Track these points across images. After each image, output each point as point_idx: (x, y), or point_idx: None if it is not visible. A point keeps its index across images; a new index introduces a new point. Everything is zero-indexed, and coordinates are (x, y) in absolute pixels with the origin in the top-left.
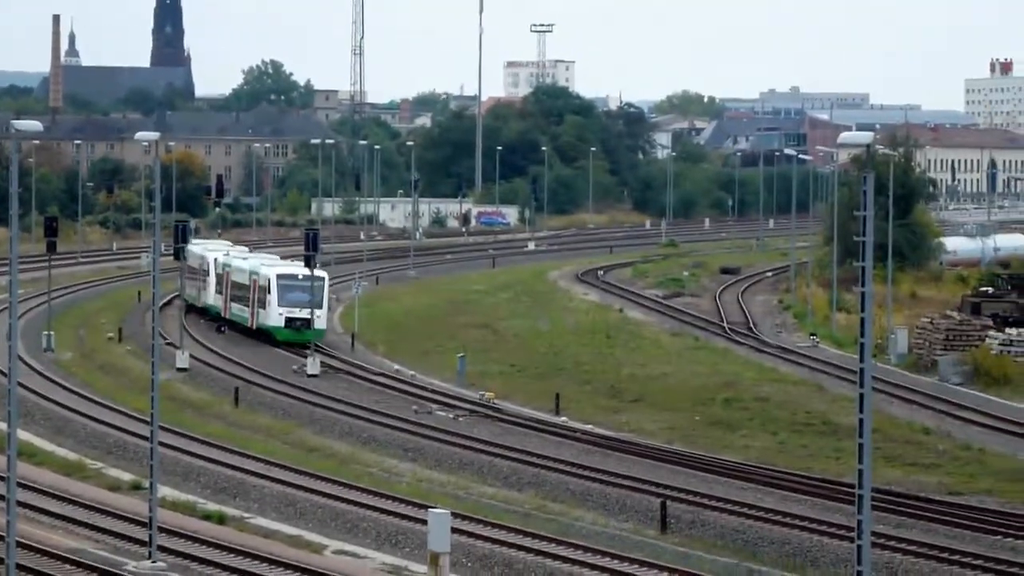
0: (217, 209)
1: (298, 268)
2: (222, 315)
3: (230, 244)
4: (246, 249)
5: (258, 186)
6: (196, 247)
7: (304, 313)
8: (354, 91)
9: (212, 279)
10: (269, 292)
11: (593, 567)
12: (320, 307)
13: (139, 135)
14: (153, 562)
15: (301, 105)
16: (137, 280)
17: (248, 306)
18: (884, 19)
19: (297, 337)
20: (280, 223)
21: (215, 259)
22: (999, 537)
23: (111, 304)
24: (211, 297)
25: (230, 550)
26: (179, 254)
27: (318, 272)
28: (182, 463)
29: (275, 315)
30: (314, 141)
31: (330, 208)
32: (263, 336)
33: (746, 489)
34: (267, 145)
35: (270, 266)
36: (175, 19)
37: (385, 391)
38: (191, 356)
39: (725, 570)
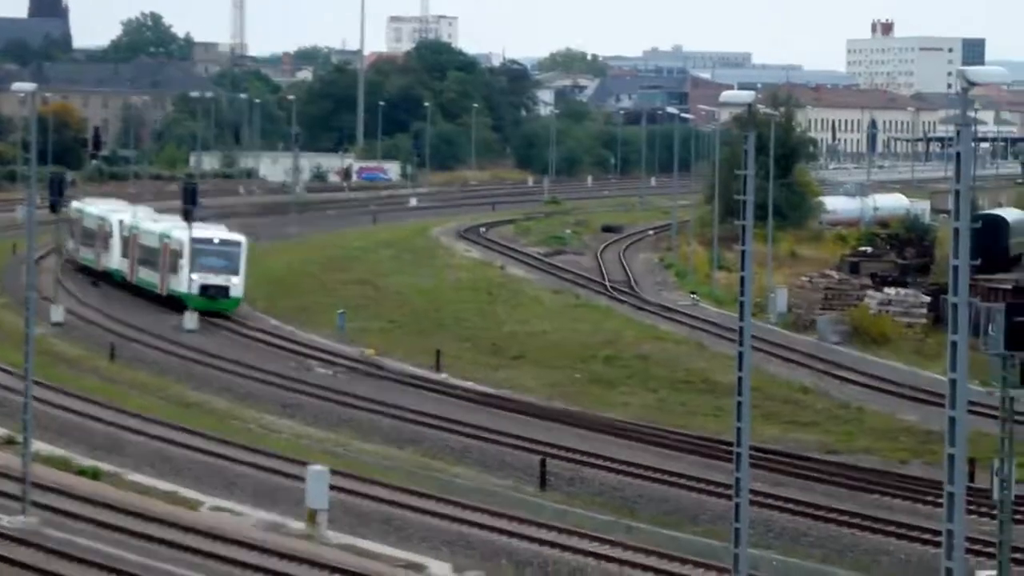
0: (94, 162)
1: (214, 231)
2: (127, 280)
3: (128, 204)
4: (152, 211)
5: (136, 139)
6: (95, 207)
7: (220, 280)
8: (234, 44)
9: (116, 242)
10: (182, 257)
11: (472, 524)
12: (237, 274)
13: (15, 86)
14: (26, 517)
15: (181, 58)
16: (13, 233)
17: (158, 271)
18: None
19: (212, 305)
20: (158, 176)
21: (120, 221)
22: (876, 495)
23: None
24: (115, 261)
25: (105, 505)
26: (56, 207)
27: (235, 236)
28: (57, 418)
29: (187, 281)
30: (193, 94)
31: (209, 162)
32: (175, 304)
33: (625, 447)
34: (145, 98)
35: (183, 229)
36: None
37: (264, 347)
38: (66, 311)
39: (604, 527)
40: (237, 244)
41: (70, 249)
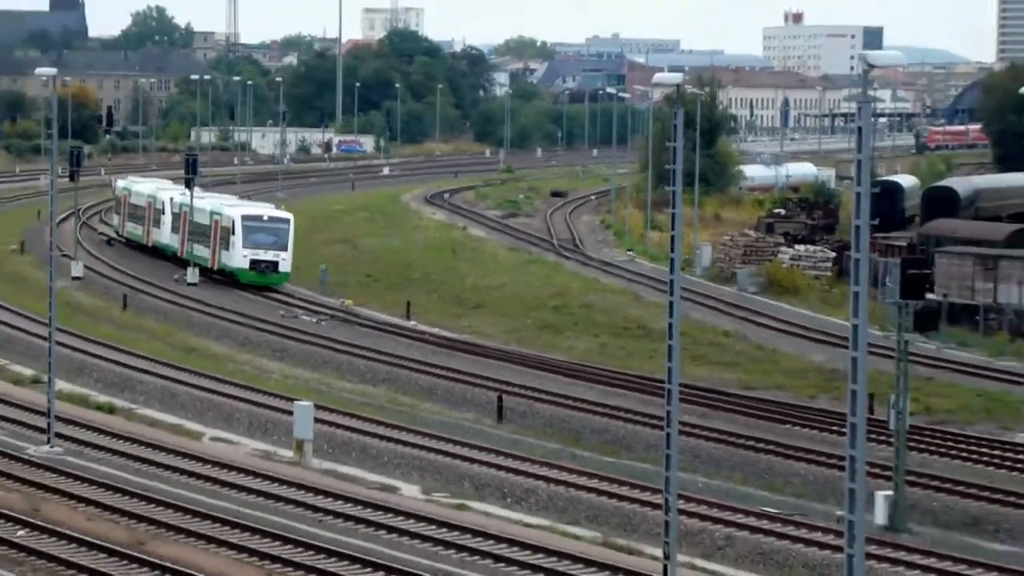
0: (108, 137)
1: (263, 209)
2: (178, 255)
3: (171, 183)
4: (200, 189)
5: (144, 117)
6: (143, 185)
7: (270, 255)
8: (229, 33)
9: (167, 218)
10: (233, 233)
11: (438, 452)
12: (285, 249)
13: (39, 71)
14: (51, 447)
15: (182, 45)
16: (38, 200)
17: (209, 247)
18: None
19: (262, 280)
20: (163, 149)
21: (171, 198)
22: (788, 426)
23: (14, 220)
24: (166, 237)
25: (119, 436)
26: (74, 176)
27: (282, 214)
28: (76, 360)
29: (239, 257)
30: (193, 77)
31: (207, 136)
32: (226, 277)
33: (572, 384)
34: (152, 81)
35: (233, 206)
36: None
37: (256, 299)
38: (85, 267)
39: (552, 453)
40: (286, 221)
41: (115, 224)
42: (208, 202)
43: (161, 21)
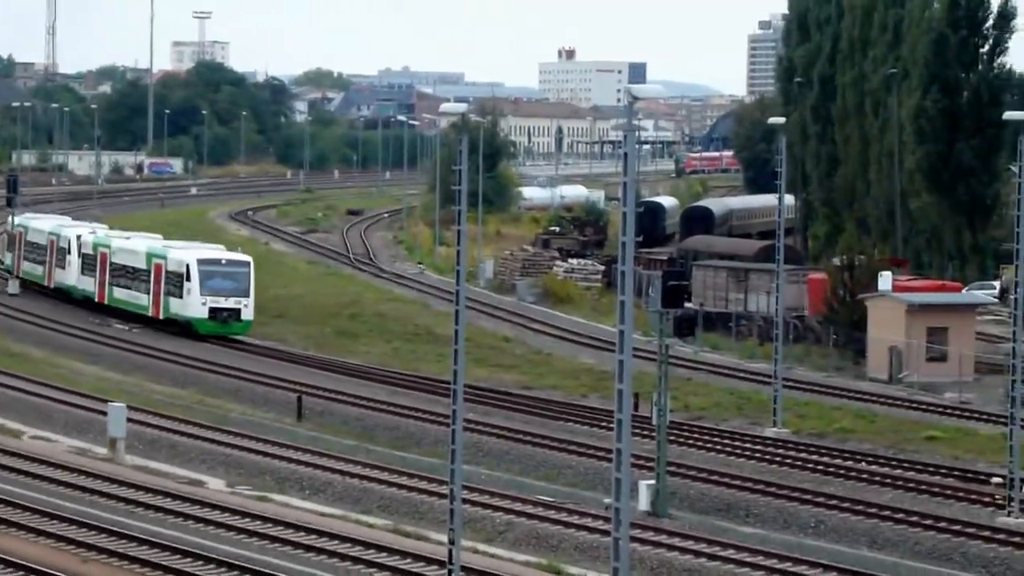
0: None
1: (219, 252)
2: (95, 300)
3: (72, 220)
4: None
5: None
6: (39, 222)
7: (231, 303)
8: (47, 63)
9: (74, 259)
10: (188, 279)
11: (242, 448)
12: (247, 295)
13: None
14: None
15: (4, 75)
16: None
17: (146, 293)
18: (474, 8)
19: (223, 329)
20: None
21: (77, 236)
22: (562, 422)
23: None
24: (73, 278)
25: None
26: None
27: (241, 256)
28: None
29: (197, 305)
30: (14, 104)
31: (27, 159)
32: (174, 327)
33: (366, 385)
34: None
35: (183, 248)
36: None
37: (72, 309)
38: None
39: (347, 449)
40: (246, 264)
41: (6, 263)
42: (141, 242)
43: None
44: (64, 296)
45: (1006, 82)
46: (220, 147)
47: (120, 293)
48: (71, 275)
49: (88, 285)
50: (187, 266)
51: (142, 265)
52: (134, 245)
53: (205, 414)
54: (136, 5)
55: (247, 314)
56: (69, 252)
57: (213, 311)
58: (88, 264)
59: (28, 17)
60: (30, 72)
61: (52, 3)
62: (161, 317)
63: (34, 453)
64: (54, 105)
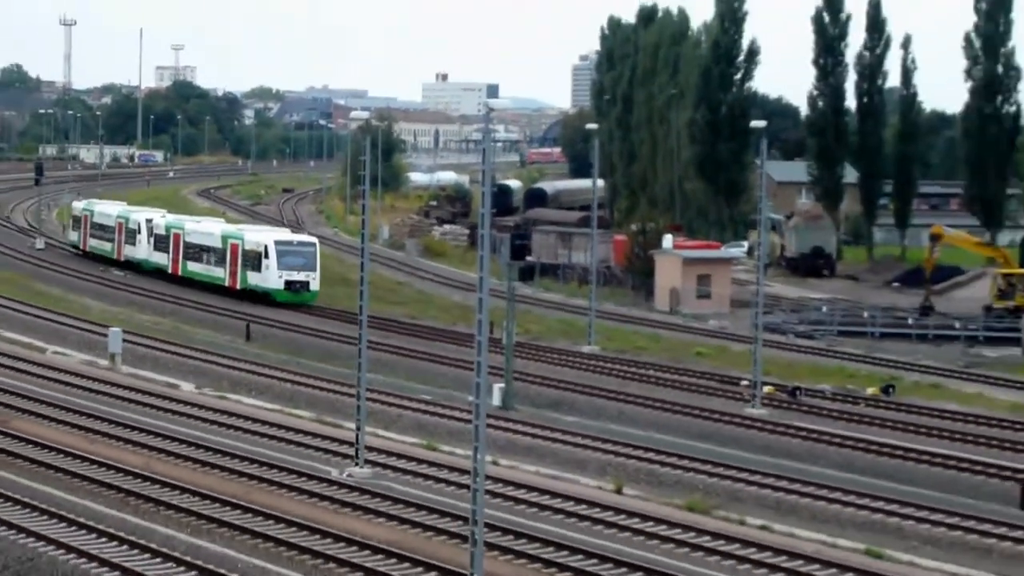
0: None
1: (290, 234)
2: (169, 271)
3: (132, 205)
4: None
5: (8, 137)
6: (103, 206)
7: (302, 276)
8: (65, 82)
9: (144, 238)
10: (267, 257)
11: (206, 361)
12: (314, 270)
13: None
14: None
15: (34, 89)
16: None
17: (220, 267)
18: (385, 28)
19: (296, 298)
20: (20, 159)
21: (147, 220)
22: (439, 342)
23: None
24: (143, 253)
25: None
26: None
27: (309, 238)
28: None
29: (275, 278)
30: (41, 111)
31: (49, 151)
32: (251, 297)
33: (297, 315)
34: (13, 113)
35: (257, 231)
36: None
37: (84, 258)
38: None
39: (283, 362)
40: (312, 245)
41: (73, 239)
42: (215, 225)
43: (20, 74)
44: (133, 267)
45: (752, 101)
46: (190, 143)
47: (194, 267)
48: (141, 251)
49: (161, 260)
50: (265, 246)
51: (217, 244)
52: (207, 227)
53: (180, 335)
54: (130, 39)
55: (314, 285)
56: (139, 232)
57: (288, 283)
58: (161, 243)
59: (50, 45)
60: (52, 88)
61: (69, 36)
62: (238, 288)
63: (54, 364)
64: (70, 112)
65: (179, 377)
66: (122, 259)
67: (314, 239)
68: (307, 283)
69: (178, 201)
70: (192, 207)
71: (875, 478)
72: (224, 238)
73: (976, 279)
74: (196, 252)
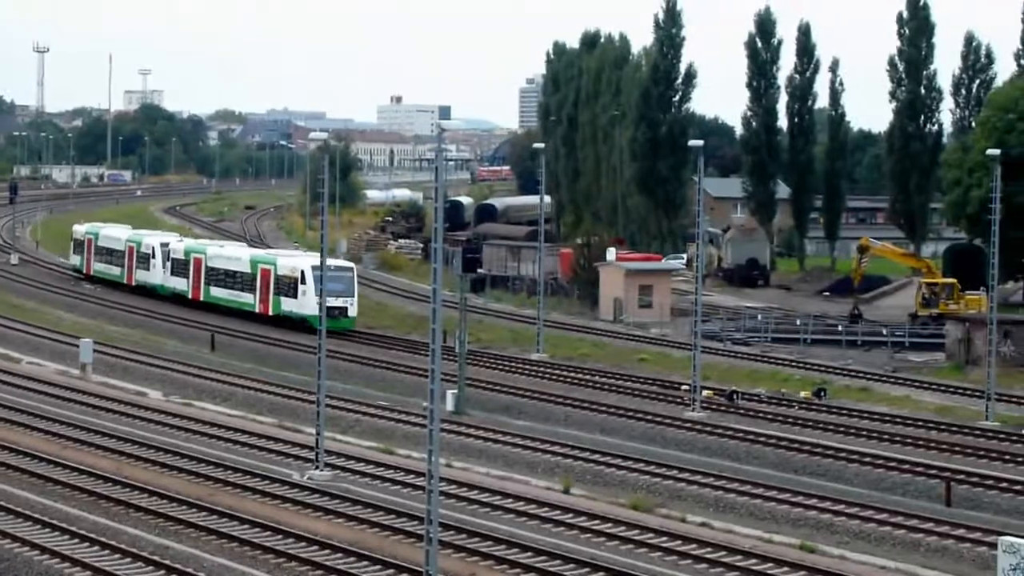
0: None
1: (329, 259)
2: (189, 297)
3: (140, 229)
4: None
5: None
6: (110, 230)
7: (340, 302)
8: (38, 105)
9: (158, 262)
10: (303, 282)
11: (173, 370)
12: (352, 295)
13: None
14: None
15: (8, 113)
16: None
17: (250, 293)
18: (342, 53)
19: (334, 325)
20: None
21: (162, 243)
22: (394, 351)
23: None
24: (158, 278)
25: None
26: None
27: (346, 263)
28: None
29: (312, 305)
30: (15, 133)
31: (23, 171)
32: (283, 323)
33: (258, 327)
34: None
35: (291, 256)
36: None
37: (56, 272)
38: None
39: (246, 370)
40: (350, 270)
41: (76, 263)
42: (242, 250)
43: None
44: (145, 292)
45: (690, 121)
46: (157, 163)
47: (219, 292)
48: (156, 276)
49: (179, 285)
50: (301, 271)
51: (245, 269)
52: (233, 252)
53: (148, 346)
54: (100, 65)
55: (352, 311)
56: (153, 256)
57: (327, 309)
58: (179, 267)
59: (24, 71)
60: (26, 112)
61: (42, 63)
62: (270, 314)
63: (29, 373)
64: (42, 134)
65: (147, 385)
66: (133, 283)
67: (351, 264)
68: (345, 309)
69: (147, 218)
70: (160, 223)
71: (809, 477)
72: (253, 263)
73: (902, 288)
74: (220, 277)
